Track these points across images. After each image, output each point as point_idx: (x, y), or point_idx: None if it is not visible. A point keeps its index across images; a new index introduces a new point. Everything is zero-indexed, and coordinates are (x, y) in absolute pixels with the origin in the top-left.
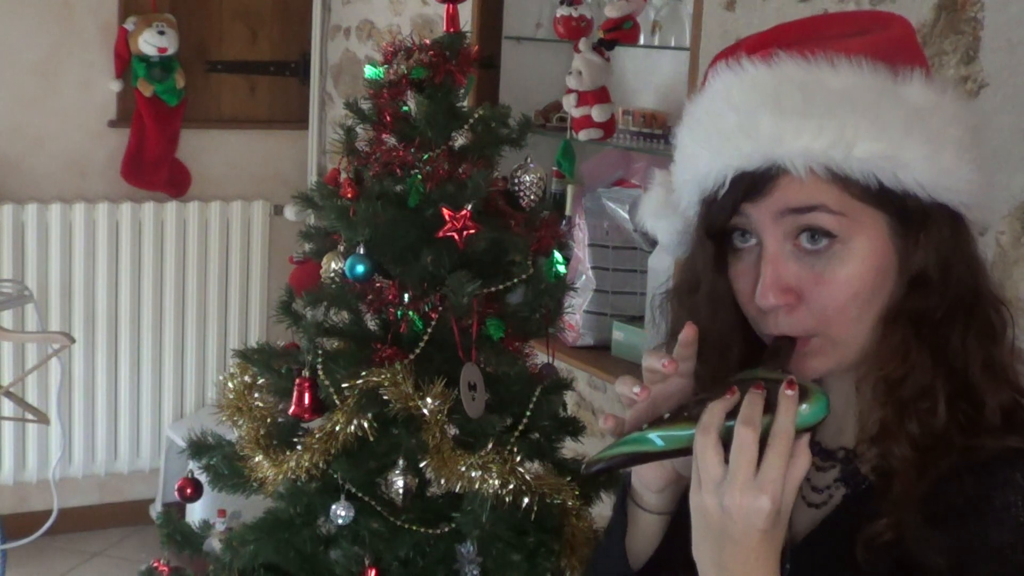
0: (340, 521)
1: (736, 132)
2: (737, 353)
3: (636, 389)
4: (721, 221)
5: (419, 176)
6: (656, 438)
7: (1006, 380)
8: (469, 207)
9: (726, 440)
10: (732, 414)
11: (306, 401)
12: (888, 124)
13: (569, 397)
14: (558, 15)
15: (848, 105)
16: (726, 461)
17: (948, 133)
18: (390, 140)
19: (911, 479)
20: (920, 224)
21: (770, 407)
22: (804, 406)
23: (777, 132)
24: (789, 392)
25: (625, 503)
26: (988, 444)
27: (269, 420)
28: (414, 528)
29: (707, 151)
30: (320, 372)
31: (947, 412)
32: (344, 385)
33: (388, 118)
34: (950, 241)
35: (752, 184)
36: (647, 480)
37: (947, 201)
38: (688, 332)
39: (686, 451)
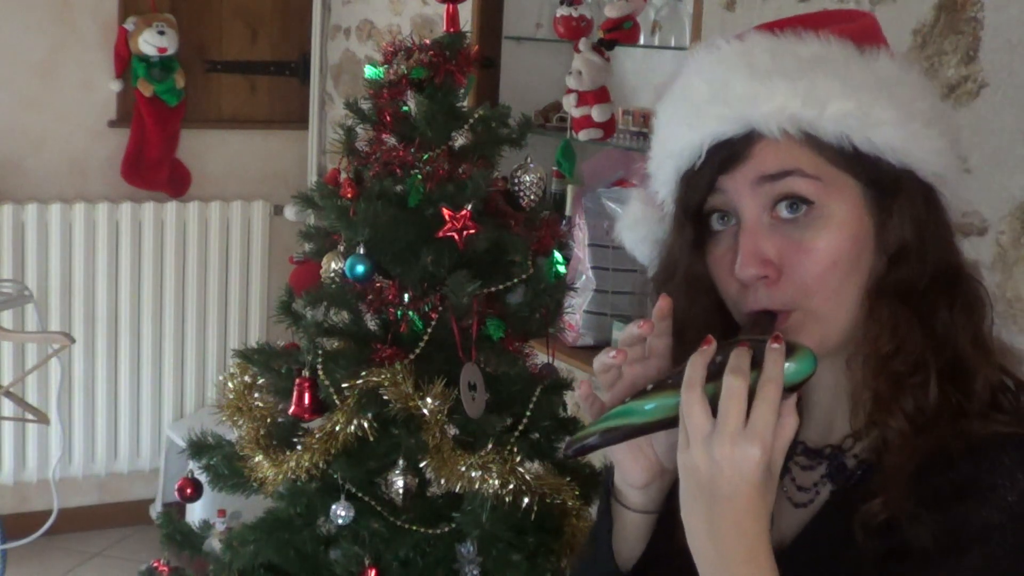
0: (340, 521)
1: (711, 100)
2: (716, 338)
3: (612, 354)
4: (699, 197)
5: (419, 176)
6: (642, 406)
7: (991, 357)
8: (469, 207)
9: (712, 399)
10: (717, 375)
11: (306, 401)
12: (858, 85)
13: (569, 397)
14: (558, 15)
15: (819, 68)
16: (714, 417)
17: (916, 105)
18: (390, 140)
19: (905, 455)
20: (893, 194)
21: (756, 364)
22: (790, 363)
23: (750, 92)
24: (776, 345)
25: (609, 505)
26: (977, 428)
27: (269, 420)
28: (414, 528)
29: (683, 124)
30: (320, 372)
31: (938, 389)
32: (344, 385)
33: (388, 118)
34: (924, 214)
35: (729, 154)
36: (630, 476)
37: (918, 170)
38: (662, 304)
39: (672, 421)
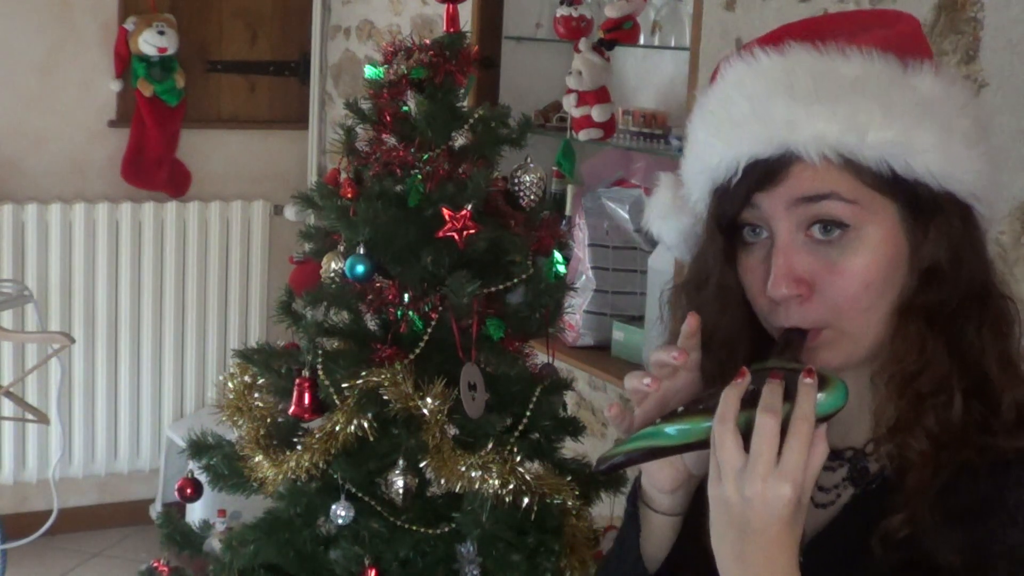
0: (340, 521)
1: (750, 119)
2: (745, 349)
3: (647, 380)
4: (733, 211)
5: (419, 176)
6: (671, 430)
7: (1019, 376)
8: (469, 207)
9: (744, 430)
10: (749, 404)
11: (306, 401)
12: (900, 111)
13: (569, 397)
14: (558, 15)
15: (860, 92)
16: (745, 450)
17: (957, 123)
18: (390, 140)
19: (927, 473)
20: (931, 215)
21: (788, 396)
22: (822, 395)
23: (791, 117)
24: (808, 380)
25: (636, 507)
26: (1002, 444)
27: (269, 420)
28: (414, 528)
29: (720, 140)
30: (320, 372)
31: (963, 408)
32: (344, 385)
33: (388, 118)
34: (960, 233)
35: (765, 172)
36: (658, 481)
37: (957, 191)
38: (691, 322)
39: (701, 444)
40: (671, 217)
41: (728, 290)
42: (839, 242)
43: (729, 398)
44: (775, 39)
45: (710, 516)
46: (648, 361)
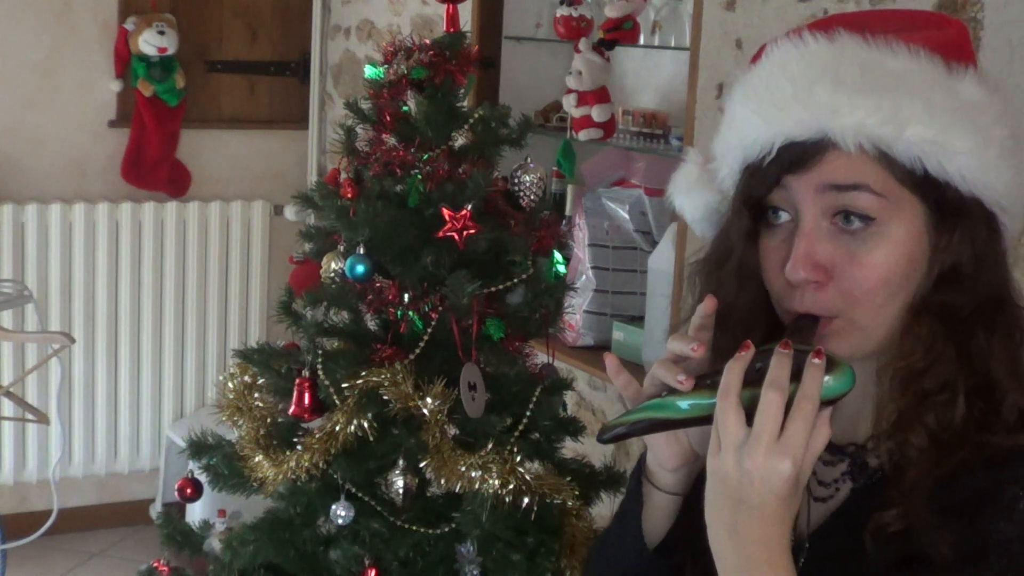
0: (340, 521)
1: (791, 101)
2: (761, 330)
3: (694, 345)
4: (763, 190)
5: (419, 176)
6: (677, 403)
7: None
8: (469, 207)
9: (748, 407)
10: (756, 382)
11: (306, 401)
12: (940, 111)
13: (569, 397)
14: (558, 15)
15: (904, 87)
16: (748, 425)
17: (994, 132)
18: (390, 140)
19: (924, 470)
20: (956, 218)
21: (794, 376)
22: (829, 378)
23: (833, 104)
24: (817, 360)
25: (640, 483)
26: (1000, 440)
27: (269, 420)
28: (414, 528)
29: (759, 118)
30: (320, 372)
31: (965, 408)
32: (344, 385)
33: (388, 118)
34: (984, 240)
35: (799, 155)
36: (663, 458)
37: (985, 199)
38: (708, 304)
39: (706, 419)
40: (696, 191)
41: (748, 269)
42: (863, 234)
43: (732, 371)
44: (825, 26)
45: (706, 488)
46: (647, 361)
